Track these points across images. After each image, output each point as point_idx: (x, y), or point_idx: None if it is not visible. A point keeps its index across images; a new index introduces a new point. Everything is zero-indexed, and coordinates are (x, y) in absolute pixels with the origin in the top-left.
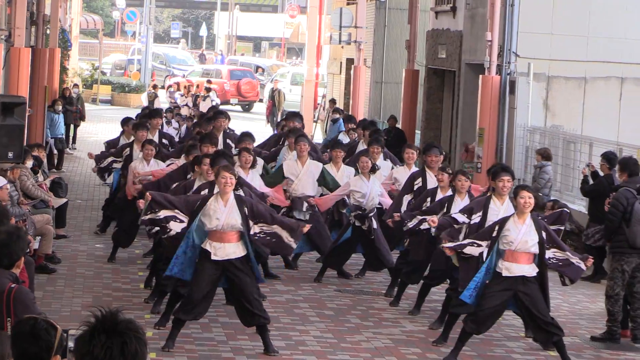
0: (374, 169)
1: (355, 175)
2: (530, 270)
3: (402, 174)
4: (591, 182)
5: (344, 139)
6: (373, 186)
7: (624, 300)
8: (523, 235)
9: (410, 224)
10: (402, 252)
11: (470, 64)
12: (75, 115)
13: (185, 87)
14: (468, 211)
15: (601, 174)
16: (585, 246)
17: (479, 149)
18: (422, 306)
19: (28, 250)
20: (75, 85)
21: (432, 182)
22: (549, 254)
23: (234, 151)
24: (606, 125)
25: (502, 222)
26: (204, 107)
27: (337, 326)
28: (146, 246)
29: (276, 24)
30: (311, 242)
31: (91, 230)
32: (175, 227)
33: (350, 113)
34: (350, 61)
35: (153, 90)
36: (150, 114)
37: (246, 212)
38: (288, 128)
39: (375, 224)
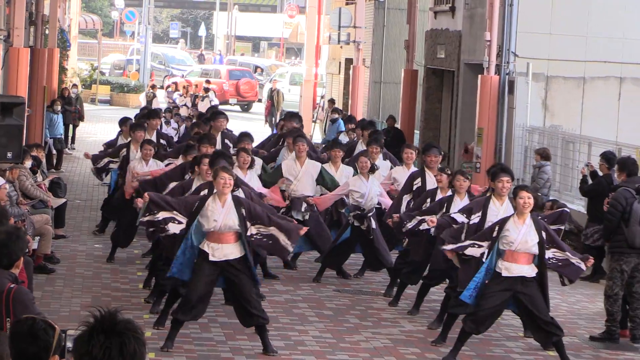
0: (373, 169)
1: (354, 175)
2: (529, 270)
3: (401, 174)
4: (590, 181)
5: (345, 139)
6: (372, 186)
7: (623, 300)
8: (523, 235)
9: (410, 225)
10: (401, 252)
11: (469, 64)
12: (74, 115)
13: (184, 87)
14: (467, 211)
15: (600, 173)
16: (584, 246)
17: (478, 149)
18: (421, 306)
19: (27, 250)
20: (74, 86)
21: (431, 182)
22: (548, 254)
23: (231, 151)
24: (605, 125)
25: (502, 222)
26: (202, 107)
27: (336, 326)
28: (145, 246)
29: (275, 24)
30: (311, 241)
31: (90, 231)
32: (173, 229)
33: (349, 113)
34: (349, 61)
35: (151, 91)
36: (148, 114)
37: (243, 213)
38: (287, 129)
39: (374, 224)
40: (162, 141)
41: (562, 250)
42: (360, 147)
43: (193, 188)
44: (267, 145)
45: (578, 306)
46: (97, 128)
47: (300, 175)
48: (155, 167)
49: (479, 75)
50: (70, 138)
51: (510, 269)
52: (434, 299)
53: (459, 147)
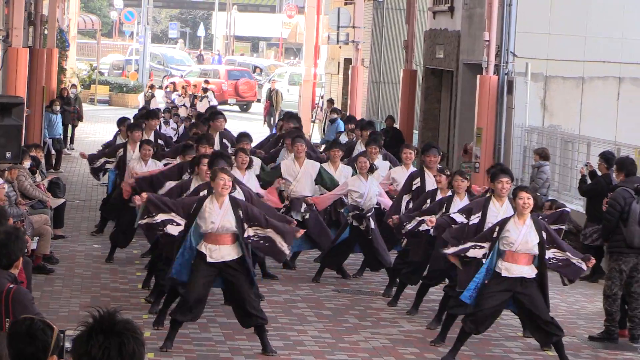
0: (372, 169)
1: (353, 175)
2: (529, 271)
3: (400, 174)
4: (589, 181)
5: (345, 139)
6: (371, 186)
7: (622, 300)
8: (523, 236)
9: (409, 226)
10: (400, 252)
11: (468, 64)
12: (73, 115)
13: (183, 87)
14: (467, 211)
15: (599, 173)
16: (583, 246)
17: (477, 149)
18: (420, 306)
19: (26, 250)
20: (73, 86)
21: (430, 182)
22: (549, 254)
23: (230, 150)
24: (604, 125)
25: (502, 223)
26: (201, 107)
27: (335, 326)
28: (144, 246)
29: (274, 24)
30: (311, 240)
31: (89, 231)
32: (172, 231)
33: (348, 113)
34: (348, 61)
35: (150, 91)
36: (147, 114)
37: (241, 214)
38: (285, 129)
39: (372, 224)
40: (159, 141)
41: (563, 251)
42: (359, 147)
43: (192, 188)
44: (266, 145)
45: (577, 306)
46: (96, 128)
47: (300, 175)
48: (155, 167)
49: (478, 75)
50: (69, 138)
51: (510, 269)
52: (433, 299)
53: (458, 147)
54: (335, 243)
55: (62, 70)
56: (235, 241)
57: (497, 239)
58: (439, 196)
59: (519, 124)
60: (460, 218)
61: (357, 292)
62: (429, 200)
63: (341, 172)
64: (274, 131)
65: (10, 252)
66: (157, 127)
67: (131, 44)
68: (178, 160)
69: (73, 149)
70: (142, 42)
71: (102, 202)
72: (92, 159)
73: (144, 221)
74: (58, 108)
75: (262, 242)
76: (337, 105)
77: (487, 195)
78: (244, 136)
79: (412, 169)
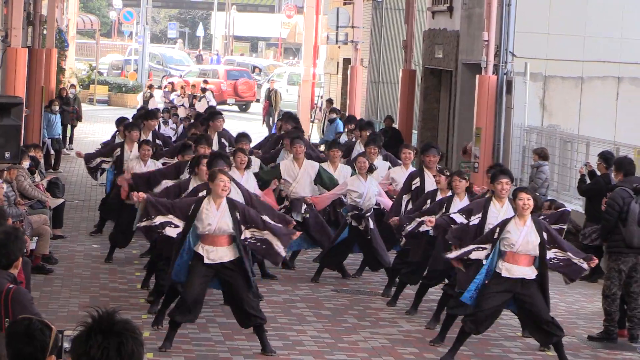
0: (371, 169)
1: (352, 175)
2: (529, 272)
3: (399, 173)
4: (588, 181)
5: (345, 139)
6: (370, 186)
7: (621, 300)
8: (524, 237)
9: (409, 227)
10: (398, 252)
11: (467, 64)
12: (72, 115)
13: (181, 87)
14: (467, 212)
15: (598, 173)
16: (582, 245)
17: (476, 149)
18: (419, 306)
19: (25, 250)
20: (72, 86)
21: (429, 182)
22: (550, 254)
23: (227, 150)
24: (603, 124)
25: (503, 224)
26: (199, 107)
27: (334, 326)
28: (143, 246)
29: (273, 24)
30: (311, 238)
31: (88, 231)
32: (170, 233)
33: (347, 113)
34: (347, 61)
35: (148, 90)
36: (145, 114)
37: (238, 217)
38: (284, 130)
39: (371, 224)
40: (157, 141)
41: (564, 251)
42: (359, 147)
43: (190, 188)
44: (266, 146)
45: (576, 306)
46: (95, 128)
47: (299, 176)
48: (154, 167)
49: (477, 75)
50: (68, 138)
51: (511, 270)
52: (432, 298)
53: (457, 147)
54: (334, 243)
55: (61, 70)
56: (232, 242)
57: (498, 239)
58: (439, 196)
59: (518, 123)
60: (460, 218)
61: (356, 292)
62: (429, 201)
63: (340, 172)
64: (273, 131)
65: (9, 252)
66: (156, 127)
67: (130, 44)
68: (176, 160)
69: (72, 149)
70: (141, 42)
71: (101, 202)
72: (88, 158)
73: (143, 224)
74: (57, 108)
75: (258, 244)
76: (336, 105)
77: (488, 196)
78: (243, 136)
79: (412, 169)
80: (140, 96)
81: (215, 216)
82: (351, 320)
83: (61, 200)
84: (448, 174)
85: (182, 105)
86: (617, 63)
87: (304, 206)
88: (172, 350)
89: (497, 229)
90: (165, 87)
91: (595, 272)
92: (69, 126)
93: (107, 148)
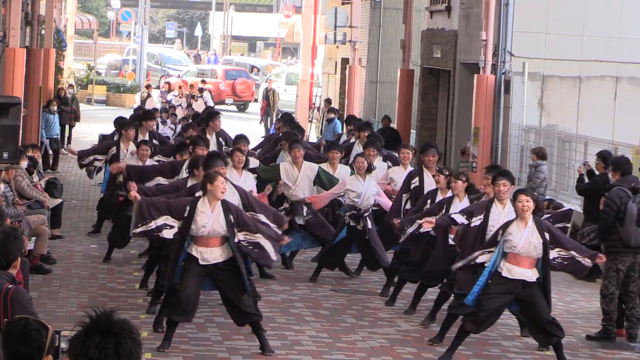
0: (370, 169)
1: (351, 175)
2: (531, 275)
3: (398, 173)
4: (587, 181)
5: (345, 139)
6: (368, 186)
7: (619, 299)
8: (525, 238)
9: (410, 230)
10: (396, 252)
11: (465, 64)
12: (70, 115)
13: (180, 87)
14: (468, 213)
15: (597, 172)
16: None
17: (474, 149)
18: (417, 306)
19: (23, 250)
20: (70, 86)
21: (428, 181)
22: (553, 254)
23: (223, 149)
24: (601, 124)
25: (505, 226)
26: (197, 107)
27: (332, 326)
28: (142, 246)
29: (271, 24)
30: (313, 236)
31: (86, 231)
32: (167, 235)
33: (345, 113)
34: (345, 61)
35: (146, 90)
36: (143, 115)
37: (231, 219)
38: (281, 132)
39: (370, 224)
40: (154, 141)
41: (567, 249)
42: (357, 148)
43: (187, 187)
44: (266, 146)
45: (575, 305)
46: (93, 128)
47: (299, 180)
48: None
49: (475, 75)
50: (66, 138)
51: (512, 270)
52: (430, 298)
53: (455, 147)
54: (333, 243)
55: (59, 71)
56: (224, 242)
57: (501, 241)
58: (439, 196)
59: (516, 123)
60: (460, 219)
61: (355, 291)
62: (429, 201)
63: (340, 173)
64: (271, 131)
65: (8, 252)
66: (155, 128)
67: (128, 44)
68: (172, 159)
69: (68, 148)
70: (140, 42)
71: (99, 202)
72: (81, 155)
73: (139, 230)
74: (55, 108)
75: (251, 247)
76: (335, 105)
77: (485, 197)
78: (241, 138)
79: (410, 168)
80: (138, 96)
81: (210, 218)
82: (349, 320)
83: (59, 201)
84: (447, 173)
85: (180, 105)
86: (616, 63)
87: (306, 209)
88: (170, 350)
89: (500, 231)
90: (162, 87)
91: (593, 271)
92: (67, 126)
93: (103, 146)
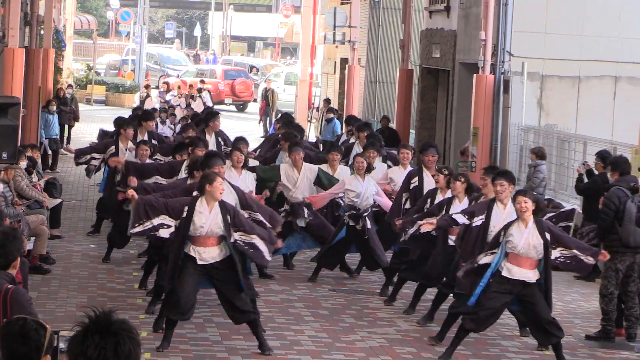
0: (369, 169)
1: (350, 175)
2: (530, 275)
3: (397, 173)
4: (586, 180)
5: (344, 138)
6: (368, 186)
7: (618, 299)
8: (526, 239)
9: (411, 231)
10: (395, 252)
11: (464, 64)
12: (69, 115)
13: (179, 87)
14: (470, 213)
15: (596, 172)
16: None
17: (474, 149)
18: (417, 305)
19: (23, 250)
20: (69, 86)
21: (428, 181)
22: (555, 253)
23: (222, 149)
24: (600, 124)
25: (507, 227)
26: (196, 107)
27: (331, 326)
28: (141, 246)
29: (270, 24)
30: (314, 236)
31: (85, 231)
32: (164, 234)
33: (345, 113)
34: (344, 61)
35: (145, 90)
36: (143, 116)
37: (229, 219)
38: (280, 133)
39: (369, 224)
40: (153, 141)
41: (569, 248)
42: (357, 148)
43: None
44: (266, 147)
45: (574, 305)
46: (93, 128)
47: (299, 182)
48: None
49: (474, 75)
50: (65, 138)
51: (512, 270)
52: (430, 298)
53: (454, 147)
54: (332, 243)
55: (58, 71)
56: (221, 242)
57: (503, 242)
58: (439, 196)
59: (515, 123)
60: (462, 219)
61: (354, 291)
62: (429, 200)
63: (340, 174)
64: (271, 131)
65: (7, 252)
66: (154, 128)
67: (127, 44)
68: (171, 158)
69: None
70: (139, 42)
71: (98, 202)
72: (78, 154)
73: (136, 230)
74: (54, 108)
75: (246, 247)
76: (334, 105)
77: (489, 197)
78: (241, 140)
79: (410, 168)
80: (137, 96)
81: (208, 218)
82: (349, 320)
83: (58, 201)
84: (447, 172)
85: (179, 105)
86: (615, 62)
87: (306, 211)
88: (169, 350)
89: (502, 232)
90: (160, 87)
91: (592, 271)
92: (66, 126)
93: (101, 144)
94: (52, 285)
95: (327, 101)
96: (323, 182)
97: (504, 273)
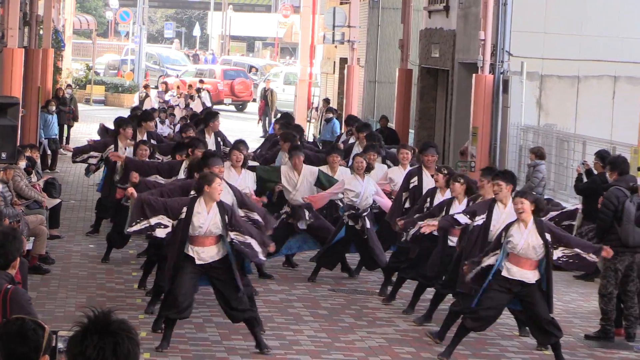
0: (368, 169)
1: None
2: (530, 276)
3: (397, 173)
4: (585, 180)
5: (344, 138)
6: (367, 185)
7: (618, 299)
8: (525, 239)
9: (412, 232)
10: (394, 252)
11: (464, 63)
12: (68, 115)
13: (178, 87)
14: (471, 213)
15: (595, 172)
16: None
17: (473, 148)
18: (416, 305)
19: (22, 250)
20: (69, 86)
21: (428, 181)
22: (557, 253)
23: (222, 149)
24: (599, 123)
25: (507, 227)
26: (195, 107)
27: (331, 325)
28: (140, 246)
29: (269, 24)
30: (314, 237)
31: (85, 231)
32: (159, 234)
33: (344, 113)
34: (343, 60)
35: (144, 90)
36: (142, 116)
37: (226, 219)
38: (280, 133)
39: (368, 224)
40: (152, 141)
41: (571, 247)
42: (357, 149)
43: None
44: (265, 147)
45: (573, 305)
46: (92, 128)
47: (299, 184)
48: None
49: (474, 75)
50: (64, 138)
51: (511, 270)
52: (429, 298)
53: (454, 147)
54: (331, 242)
55: (57, 71)
56: (219, 241)
57: (504, 242)
58: (438, 195)
59: (514, 123)
60: (464, 219)
61: (353, 291)
62: (429, 199)
63: (340, 176)
64: (270, 131)
65: (7, 253)
66: (154, 128)
67: (127, 44)
68: (170, 158)
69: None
70: (138, 42)
71: (97, 202)
72: (76, 152)
73: (133, 228)
74: (54, 108)
75: (242, 247)
76: (333, 104)
77: (487, 198)
78: (240, 143)
79: (409, 168)
80: (136, 96)
81: (206, 219)
82: (348, 320)
83: (58, 201)
84: (446, 172)
85: (178, 105)
86: (614, 62)
87: (307, 213)
88: (169, 350)
89: (503, 233)
90: (159, 87)
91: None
92: (65, 126)
93: (100, 143)
94: (52, 285)
95: (327, 101)
96: (323, 183)
97: (504, 273)
